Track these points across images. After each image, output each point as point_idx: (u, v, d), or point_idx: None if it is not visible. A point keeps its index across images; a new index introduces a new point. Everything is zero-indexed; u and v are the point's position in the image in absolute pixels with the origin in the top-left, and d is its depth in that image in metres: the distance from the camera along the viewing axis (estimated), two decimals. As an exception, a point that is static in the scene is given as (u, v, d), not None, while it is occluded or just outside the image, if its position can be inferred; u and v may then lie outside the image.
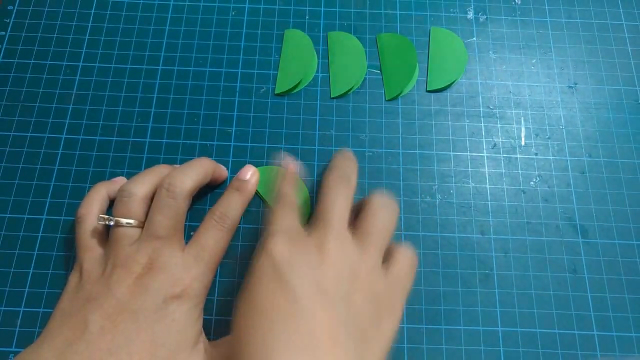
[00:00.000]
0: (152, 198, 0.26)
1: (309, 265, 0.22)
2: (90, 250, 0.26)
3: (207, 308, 0.26)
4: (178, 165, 0.28)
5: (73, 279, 0.25)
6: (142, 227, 0.25)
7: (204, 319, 0.25)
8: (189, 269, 0.24)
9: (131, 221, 0.25)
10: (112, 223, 0.25)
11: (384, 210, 0.25)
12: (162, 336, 0.22)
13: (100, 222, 0.26)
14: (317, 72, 0.34)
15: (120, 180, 0.30)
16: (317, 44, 0.35)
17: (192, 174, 0.26)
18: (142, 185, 0.26)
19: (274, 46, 0.34)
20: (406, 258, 0.25)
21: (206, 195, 0.30)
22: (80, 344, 0.21)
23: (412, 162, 0.31)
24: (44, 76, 0.33)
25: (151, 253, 0.24)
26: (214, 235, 0.26)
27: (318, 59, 0.34)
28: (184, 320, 0.23)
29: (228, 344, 0.24)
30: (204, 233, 0.26)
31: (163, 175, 0.27)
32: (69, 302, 0.24)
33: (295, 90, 0.33)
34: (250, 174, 0.29)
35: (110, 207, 0.28)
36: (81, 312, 0.23)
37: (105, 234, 0.27)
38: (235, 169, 0.31)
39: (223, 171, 0.30)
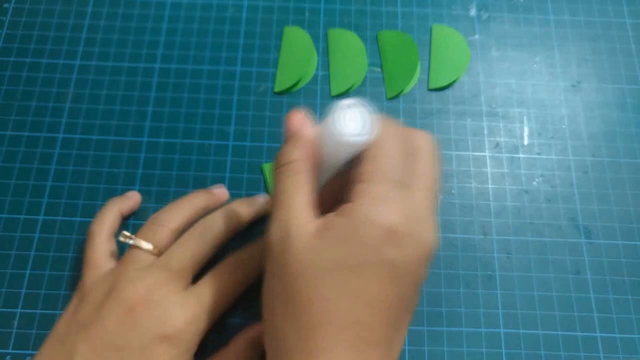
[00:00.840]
0: (182, 232, 0.26)
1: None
2: (96, 268, 0.25)
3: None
4: (215, 191, 0.28)
5: (74, 300, 0.24)
6: (158, 256, 0.25)
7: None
8: (185, 309, 0.23)
9: (150, 247, 0.24)
10: (131, 242, 0.25)
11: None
12: None
13: (121, 239, 0.25)
14: (317, 70, 0.33)
15: (133, 196, 0.29)
16: (317, 42, 0.34)
17: (227, 220, 0.26)
18: (176, 218, 0.26)
19: (273, 44, 0.34)
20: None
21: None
22: None
23: (413, 162, 0.31)
24: (41, 75, 0.33)
25: (152, 283, 0.23)
26: (226, 280, 0.24)
27: (318, 56, 0.34)
28: None
29: None
30: (215, 275, 0.24)
31: (198, 208, 0.27)
32: (64, 325, 0.23)
33: (295, 89, 0.33)
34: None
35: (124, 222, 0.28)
36: (72, 340, 0.22)
37: (115, 255, 0.26)
38: (234, 168, 0.30)
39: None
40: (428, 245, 0.19)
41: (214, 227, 0.25)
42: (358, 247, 0.18)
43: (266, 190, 0.30)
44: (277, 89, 0.33)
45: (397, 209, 0.18)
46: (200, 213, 0.27)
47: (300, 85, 0.33)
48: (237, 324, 0.27)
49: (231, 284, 0.24)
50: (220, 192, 0.29)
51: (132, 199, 0.28)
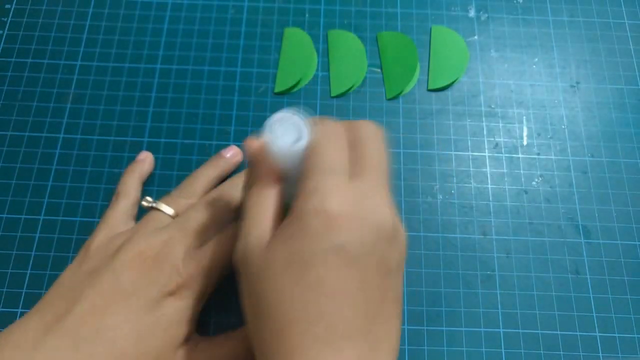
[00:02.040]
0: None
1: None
2: (110, 228, 0.26)
3: (205, 307, 0.26)
4: (228, 155, 0.29)
5: (80, 253, 0.25)
6: None
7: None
8: (195, 267, 0.24)
9: (172, 212, 0.26)
10: (154, 205, 0.26)
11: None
12: (149, 329, 0.22)
13: (144, 204, 0.27)
14: (317, 70, 0.33)
15: (146, 157, 0.30)
16: (317, 43, 0.34)
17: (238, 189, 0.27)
18: (195, 192, 0.27)
19: (273, 44, 0.34)
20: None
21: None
22: (68, 319, 0.21)
23: (413, 162, 0.31)
24: (42, 75, 0.33)
25: (167, 241, 0.24)
26: (232, 244, 0.25)
27: (318, 57, 0.34)
28: (174, 317, 0.23)
29: (228, 339, 0.24)
30: (223, 239, 0.25)
31: (215, 178, 0.28)
32: (70, 276, 0.24)
33: (295, 89, 0.33)
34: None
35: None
36: (79, 287, 0.22)
37: (133, 221, 0.27)
38: (235, 168, 0.30)
39: None
40: (382, 225, 0.18)
41: (228, 194, 0.27)
42: (304, 239, 0.18)
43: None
44: (277, 89, 0.33)
45: (339, 196, 0.18)
46: (216, 182, 0.28)
47: (301, 86, 0.33)
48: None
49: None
50: (233, 154, 0.30)
51: (147, 162, 0.30)
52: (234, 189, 0.27)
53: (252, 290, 0.19)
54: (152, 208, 0.26)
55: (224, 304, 0.27)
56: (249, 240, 0.19)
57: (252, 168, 0.22)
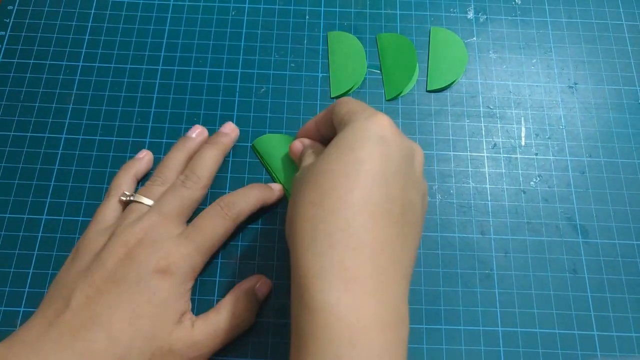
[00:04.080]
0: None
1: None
2: (99, 223, 0.27)
3: (206, 307, 0.26)
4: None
5: (74, 249, 0.26)
6: None
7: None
8: (179, 246, 0.25)
9: (150, 202, 0.27)
10: (132, 198, 0.27)
11: None
12: (142, 308, 0.23)
13: (122, 198, 0.27)
14: (318, 72, 0.34)
15: (145, 156, 0.30)
16: (317, 44, 0.35)
17: (211, 164, 0.28)
18: (173, 173, 0.28)
19: (274, 46, 0.34)
20: None
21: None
22: (66, 313, 0.22)
23: (412, 162, 0.31)
24: (44, 76, 0.33)
25: (148, 227, 0.25)
26: (214, 222, 0.26)
27: (319, 59, 0.34)
28: (166, 295, 0.24)
29: (218, 313, 0.25)
30: (204, 217, 0.26)
31: (190, 152, 0.29)
32: (64, 274, 0.25)
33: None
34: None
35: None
36: (72, 283, 0.23)
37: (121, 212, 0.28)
38: (236, 168, 0.31)
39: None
40: (413, 147, 0.23)
41: (198, 170, 0.28)
42: (353, 131, 0.22)
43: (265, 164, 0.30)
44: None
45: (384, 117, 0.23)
46: (187, 163, 0.29)
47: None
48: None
49: (221, 222, 0.26)
50: (199, 133, 0.31)
51: (144, 160, 0.30)
52: (201, 164, 0.28)
53: (308, 182, 0.22)
54: (130, 202, 0.27)
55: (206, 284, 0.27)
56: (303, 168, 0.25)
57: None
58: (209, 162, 0.28)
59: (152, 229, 0.25)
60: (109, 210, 0.27)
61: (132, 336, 0.22)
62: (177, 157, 0.29)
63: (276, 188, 0.29)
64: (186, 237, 0.25)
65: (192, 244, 0.25)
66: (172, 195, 0.26)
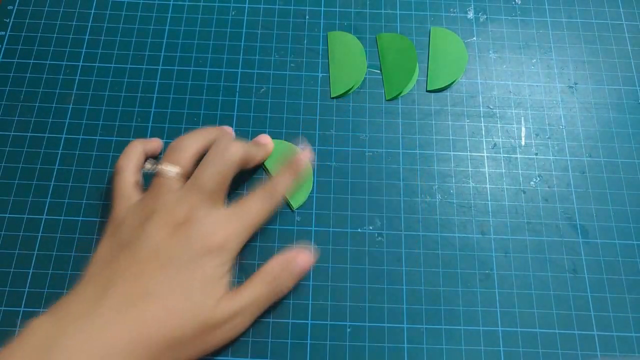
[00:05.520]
0: (202, 156, 0.27)
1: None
2: (127, 199, 0.26)
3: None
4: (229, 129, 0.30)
5: (109, 227, 0.26)
6: (185, 181, 0.26)
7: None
8: (226, 225, 0.25)
9: (177, 170, 0.26)
10: (158, 168, 0.26)
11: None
12: (190, 286, 0.23)
13: (147, 166, 0.27)
14: (317, 72, 0.34)
15: (156, 140, 0.30)
16: (317, 44, 0.35)
17: (245, 146, 0.28)
18: (195, 142, 0.27)
19: (274, 46, 0.34)
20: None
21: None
22: (119, 287, 0.22)
23: (412, 162, 0.31)
24: (44, 76, 0.33)
25: (192, 204, 0.25)
26: (261, 204, 0.26)
27: (319, 59, 0.34)
28: (213, 273, 0.24)
29: (252, 283, 0.25)
30: (252, 198, 0.26)
31: (210, 138, 0.28)
32: (106, 248, 0.25)
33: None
34: (302, 157, 0.29)
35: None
36: (116, 261, 0.23)
37: (141, 187, 0.28)
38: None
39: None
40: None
41: (230, 147, 0.27)
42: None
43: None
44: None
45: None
46: (212, 143, 0.28)
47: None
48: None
49: (267, 204, 0.27)
50: (229, 131, 0.30)
51: (155, 142, 0.30)
52: (233, 142, 0.27)
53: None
54: (156, 172, 0.27)
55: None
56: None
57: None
58: (240, 149, 0.28)
59: (199, 207, 0.25)
60: (128, 184, 0.27)
61: (185, 309, 0.23)
62: (204, 132, 0.28)
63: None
64: (234, 214, 0.26)
65: (240, 222, 0.25)
66: (211, 170, 0.26)
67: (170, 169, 0.26)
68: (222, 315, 0.24)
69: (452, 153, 0.32)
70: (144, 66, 0.33)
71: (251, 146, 0.29)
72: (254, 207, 0.26)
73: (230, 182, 0.27)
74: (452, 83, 0.34)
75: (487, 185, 0.31)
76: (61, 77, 0.33)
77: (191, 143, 0.27)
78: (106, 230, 0.26)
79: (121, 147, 0.31)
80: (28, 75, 0.33)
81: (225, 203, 0.27)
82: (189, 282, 0.23)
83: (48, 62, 0.33)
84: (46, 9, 0.35)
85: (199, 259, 0.24)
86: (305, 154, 0.28)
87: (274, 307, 0.27)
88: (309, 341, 0.27)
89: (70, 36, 0.34)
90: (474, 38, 0.35)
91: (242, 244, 0.26)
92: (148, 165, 0.27)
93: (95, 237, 0.29)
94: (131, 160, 0.28)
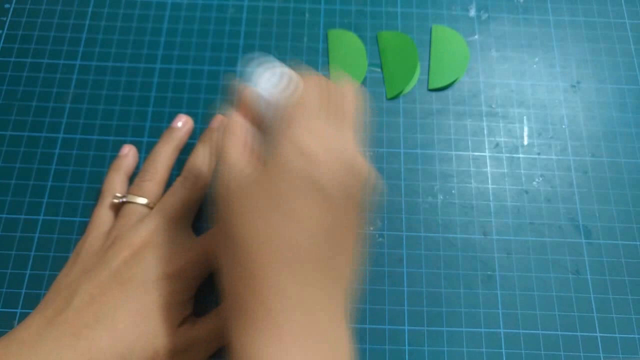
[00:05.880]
0: (167, 179, 0.28)
1: None
2: (98, 227, 0.26)
3: (205, 310, 0.26)
4: (179, 126, 0.30)
5: (74, 253, 0.26)
6: (152, 208, 0.26)
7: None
8: (188, 252, 0.25)
9: (144, 200, 0.26)
10: (125, 199, 0.26)
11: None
12: (148, 309, 0.23)
13: (115, 201, 0.27)
14: (317, 70, 0.33)
15: (129, 151, 0.30)
16: (317, 42, 0.34)
17: (207, 161, 0.28)
18: (158, 170, 0.28)
19: (272, 44, 0.34)
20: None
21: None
22: (68, 312, 0.22)
23: (414, 162, 0.31)
24: (41, 75, 0.33)
25: (153, 229, 0.25)
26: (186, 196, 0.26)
27: (318, 57, 0.34)
28: (172, 299, 0.23)
29: (218, 316, 0.25)
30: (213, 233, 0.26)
31: (174, 152, 0.29)
32: (66, 275, 0.25)
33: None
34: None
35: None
36: (75, 283, 0.23)
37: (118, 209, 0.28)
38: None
39: None
40: (353, 165, 0.20)
41: (197, 171, 0.27)
42: (284, 174, 0.19)
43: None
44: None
45: (317, 137, 0.20)
46: (175, 155, 0.29)
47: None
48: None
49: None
50: (184, 122, 0.30)
51: (130, 156, 0.30)
52: (198, 160, 0.28)
53: (230, 223, 0.20)
54: (124, 202, 0.27)
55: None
56: (232, 177, 0.20)
57: (233, 113, 0.22)
58: (205, 160, 0.28)
59: (159, 232, 0.25)
60: (105, 212, 0.27)
61: (135, 336, 0.22)
62: (165, 149, 0.29)
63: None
64: (197, 242, 0.25)
65: (202, 250, 0.25)
66: (175, 197, 0.26)
67: (140, 200, 0.26)
68: (179, 343, 0.23)
69: (453, 153, 0.31)
70: (142, 65, 0.33)
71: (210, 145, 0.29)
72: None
73: (197, 205, 0.27)
74: (454, 82, 0.33)
75: (489, 186, 0.31)
76: (58, 76, 0.33)
77: (156, 170, 0.28)
78: (71, 256, 0.26)
79: (119, 146, 0.31)
80: (25, 74, 0.33)
81: (190, 227, 0.27)
82: (147, 306, 0.23)
83: (45, 60, 0.33)
84: (43, 7, 0.35)
85: (156, 284, 0.23)
86: (217, 119, 0.29)
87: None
88: (309, 343, 0.26)
89: (68, 35, 0.34)
90: (476, 36, 0.35)
91: (204, 272, 0.25)
92: (115, 201, 0.27)
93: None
94: (114, 189, 0.28)
